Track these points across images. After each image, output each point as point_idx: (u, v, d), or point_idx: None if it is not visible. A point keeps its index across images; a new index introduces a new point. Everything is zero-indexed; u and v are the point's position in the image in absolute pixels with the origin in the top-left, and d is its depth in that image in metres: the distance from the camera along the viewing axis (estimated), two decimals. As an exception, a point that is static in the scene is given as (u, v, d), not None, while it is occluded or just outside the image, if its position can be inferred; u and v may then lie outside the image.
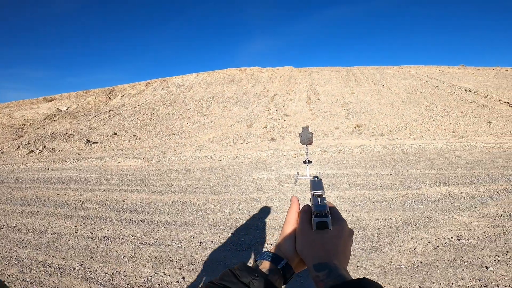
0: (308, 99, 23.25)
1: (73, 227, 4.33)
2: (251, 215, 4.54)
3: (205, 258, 3.24)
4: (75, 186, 6.84)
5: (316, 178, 0.68)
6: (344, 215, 4.26)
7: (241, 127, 17.86)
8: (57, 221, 4.61)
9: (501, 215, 3.96)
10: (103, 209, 5.08)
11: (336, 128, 15.47)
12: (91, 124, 21.88)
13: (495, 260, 2.83)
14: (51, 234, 4.11)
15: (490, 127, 13.05)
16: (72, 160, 11.04)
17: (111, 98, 32.41)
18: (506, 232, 3.43)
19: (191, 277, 2.88)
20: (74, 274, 3.01)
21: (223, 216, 4.54)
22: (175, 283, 2.80)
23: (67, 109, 28.99)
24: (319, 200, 0.60)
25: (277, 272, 0.55)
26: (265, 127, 17.18)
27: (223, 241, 3.67)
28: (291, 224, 0.59)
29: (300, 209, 0.61)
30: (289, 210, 0.61)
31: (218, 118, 21.56)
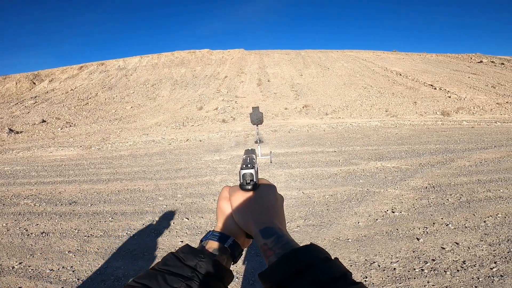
0: (259, 81, 23.39)
1: (4, 224, 3.84)
2: (205, 198, 4.52)
3: (161, 246, 3.16)
4: (0, 181, 5.98)
5: (250, 148, 0.70)
6: (295, 193, 4.51)
7: (191, 110, 17.29)
8: (-20, 220, 4.02)
9: (426, 187, 4.54)
10: (37, 204, 4.56)
11: (286, 109, 15.96)
12: (13, 112, 19.08)
13: (424, 232, 3.18)
14: (-24, 235, 3.58)
15: (416, 107, 14.80)
16: (-9, 151, 9.54)
17: (36, 84, 28.58)
18: (431, 204, 3.93)
19: (148, 266, 2.81)
20: (14, 273, 2.73)
21: (176, 201, 4.44)
22: (131, 273, 2.69)
23: (-19, 95, 24.75)
24: (248, 158, 0.60)
25: (225, 251, 0.52)
26: (216, 109, 16.91)
27: (178, 227, 3.61)
28: (226, 199, 0.57)
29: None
30: (221, 191, 0.59)
31: (166, 101, 20.49)
